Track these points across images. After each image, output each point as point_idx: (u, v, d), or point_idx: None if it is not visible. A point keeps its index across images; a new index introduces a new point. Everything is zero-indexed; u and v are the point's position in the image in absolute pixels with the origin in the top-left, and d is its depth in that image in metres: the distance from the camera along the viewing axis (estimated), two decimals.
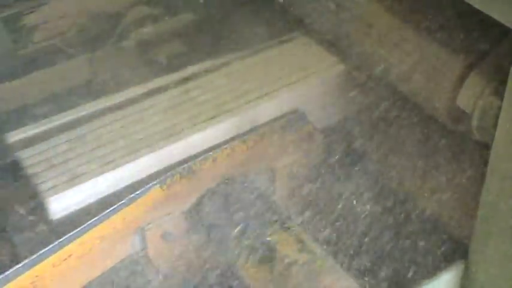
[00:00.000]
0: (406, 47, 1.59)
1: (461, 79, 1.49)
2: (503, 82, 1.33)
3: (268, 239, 1.55)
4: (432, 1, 1.59)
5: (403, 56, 1.60)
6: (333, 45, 1.81)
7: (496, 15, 1.27)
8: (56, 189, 1.56)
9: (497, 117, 1.37)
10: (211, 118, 1.69)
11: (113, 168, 1.60)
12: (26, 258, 1.40)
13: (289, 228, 1.57)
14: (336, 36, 1.78)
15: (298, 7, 1.89)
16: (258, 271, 1.53)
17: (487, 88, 1.46)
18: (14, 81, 1.88)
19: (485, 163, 1.43)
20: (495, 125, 1.38)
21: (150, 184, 1.51)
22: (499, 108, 1.37)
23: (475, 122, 1.49)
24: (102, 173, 1.59)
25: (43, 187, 1.57)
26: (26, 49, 1.98)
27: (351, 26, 1.71)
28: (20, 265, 1.39)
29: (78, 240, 1.45)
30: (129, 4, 2.05)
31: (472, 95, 1.48)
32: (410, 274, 1.68)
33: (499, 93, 1.40)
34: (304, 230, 1.60)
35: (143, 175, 1.62)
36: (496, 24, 1.37)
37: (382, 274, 1.72)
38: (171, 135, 1.66)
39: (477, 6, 1.32)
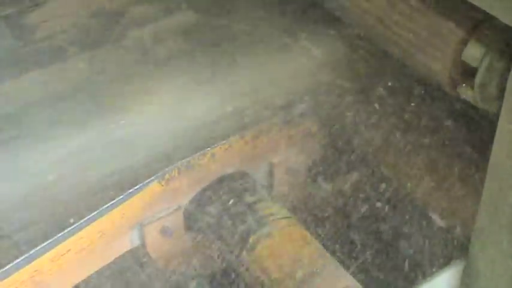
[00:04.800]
0: (407, 15, 1.57)
1: (466, 38, 1.47)
2: (508, 44, 1.36)
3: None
4: None
5: (404, 24, 1.58)
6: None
7: (494, 12, 1.27)
8: None
9: (501, 76, 1.39)
10: None
11: None
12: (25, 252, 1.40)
13: (290, 225, 1.57)
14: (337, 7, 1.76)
15: None
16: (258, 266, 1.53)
17: (492, 45, 1.44)
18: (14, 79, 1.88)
19: (486, 158, 1.43)
20: (498, 87, 1.40)
21: (149, 179, 1.52)
22: (504, 69, 1.39)
23: (478, 80, 1.46)
24: None
25: None
26: (27, 47, 1.98)
27: None
28: (19, 259, 1.39)
29: (76, 235, 1.45)
30: (130, 2, 2.05)
31: (478, 50, 1.46)
32: (411, 272, 1.68)
33: (504, 53, 1.41)
34: (305, 226, 1.60)
35: None
36: None
37: (383, 272, 1.72)
38: None
39: (476, 3, 1.32)
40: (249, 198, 1.61)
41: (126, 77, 1.85)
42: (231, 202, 1.60)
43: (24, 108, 1.82)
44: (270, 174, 1.68)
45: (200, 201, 1.61)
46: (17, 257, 1.39)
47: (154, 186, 1.52)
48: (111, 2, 2.06)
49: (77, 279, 1.51)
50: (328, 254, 1.52)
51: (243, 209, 1.59)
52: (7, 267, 1.38)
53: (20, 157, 1.61)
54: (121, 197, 1.49)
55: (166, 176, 1.52)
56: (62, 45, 1.98)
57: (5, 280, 1.38)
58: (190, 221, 1.62)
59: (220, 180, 1.61)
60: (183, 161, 1.54)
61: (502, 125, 1.35)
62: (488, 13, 1.41)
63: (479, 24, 1.48)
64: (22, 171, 1.59)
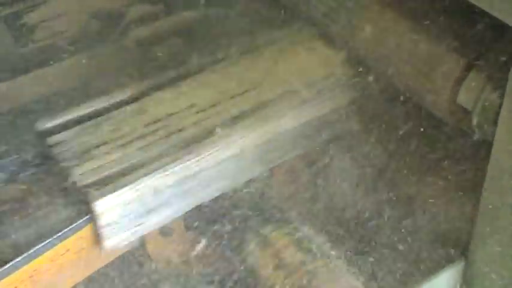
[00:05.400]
0: (405, 46, 1.59)
1: (462, 77, 1.50)
2: (504, 79, 1.33)
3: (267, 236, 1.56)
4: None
5: (402, 55, 1.60)
6: (332, 42, 1.82)
7: (495, 13, 1.28)
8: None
9: (497, 114, 1.37)
10: None
11: None
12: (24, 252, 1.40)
13: (288, 226, 1.57)
14: (335, 34, 1.78)
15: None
16: (258, 268, 1.53)
17: (487, 86, 1.46)
18: (14, 79, 1.89)
19: (485, 160, 1.43)
20: (495, 123, 1.39)
21: None
22: (500, 105, 1.37)
23: (475, 120, 1.49)
24: None
25: None
26: (27, 47, 1.99)
27: (352, 24, 1.71)
28: (18, 259, 1.39)
29: (76, 235, 1.45)
30: (129, 2, 2.06)
31: (472, 93, 1.48)
32: (411, 272, 1.68)
33: (500, 90, 1.41)
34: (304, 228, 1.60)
35: None
36: (495, 21, 1.38)
37: (382, 272, 1.72)
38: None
39: (476, 3, 1.32)
40: (249, 199, 1.62)
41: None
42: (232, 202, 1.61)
43: (24, 108, 1.83)
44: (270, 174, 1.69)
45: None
46: (16, 257, 1.40)
47: None
48: (111, 2, 2.07)
49: (77, 279, 1.51)
50: (329, 254, 1.53)
51: (244, 210, 1.60)
52: (6, 266, 1.38)
53: None
54: None
55: None
56: (62, 45, 1.99)
57: (4, 279, 1.38)
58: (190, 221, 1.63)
59: None
60: None
61: (502, 125, 1.35)
62: (486, 45, 1.45)
63: (475, 61, 1.48)
64: None
